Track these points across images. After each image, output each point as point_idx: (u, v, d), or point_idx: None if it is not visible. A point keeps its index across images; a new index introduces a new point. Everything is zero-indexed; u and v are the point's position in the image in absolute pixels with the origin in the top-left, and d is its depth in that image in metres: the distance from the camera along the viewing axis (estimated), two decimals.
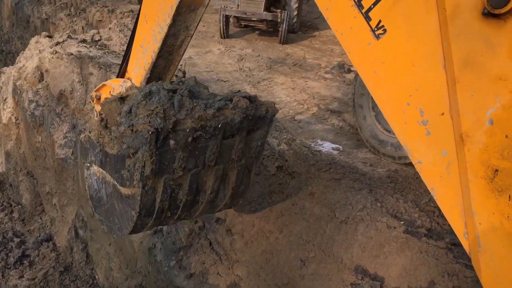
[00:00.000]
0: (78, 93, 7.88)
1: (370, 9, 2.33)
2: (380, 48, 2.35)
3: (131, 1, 17.56)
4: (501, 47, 2.02)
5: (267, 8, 12.15)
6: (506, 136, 2.04)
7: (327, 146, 6.11)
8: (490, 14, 1.96)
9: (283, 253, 4.69)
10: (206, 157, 3.41)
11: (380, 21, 2.32)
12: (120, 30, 9.62)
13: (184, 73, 8.13)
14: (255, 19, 12.11)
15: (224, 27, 12.13)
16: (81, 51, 8.39)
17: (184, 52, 3.92)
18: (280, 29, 12.06)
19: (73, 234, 8.49)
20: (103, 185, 3.64)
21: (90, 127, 3.68)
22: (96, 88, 4.14)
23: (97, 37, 9.41)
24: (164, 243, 5.98)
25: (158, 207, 3.40)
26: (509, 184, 2.06)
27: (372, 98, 5.78)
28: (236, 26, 13.23)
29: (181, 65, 9.23)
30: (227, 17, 12.14)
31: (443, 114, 2.23)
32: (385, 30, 2.32)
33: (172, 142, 3.09)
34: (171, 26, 3.49)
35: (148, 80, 3.75)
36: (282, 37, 12.13)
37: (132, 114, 3.12)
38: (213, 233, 5.52)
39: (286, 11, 12.13)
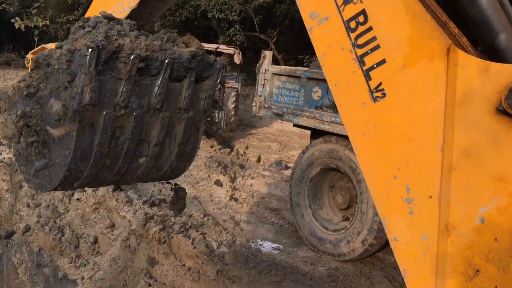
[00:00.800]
0: (7, 202, 7.50)
1: (372, 68, 2.17)
2: (376, 112, 2.18)
3: None
4: (509, 148, 1.94)
5: None
6: (496, 239, 1.97)
7: (267, 246, 6.07)
8: (505, 112, 1.85)
9: None
10: (152, 98, 3.02)
11: (380, 83, 2.16)
12: None
13: None
14: None
15: None
16: (12, 158, 8.12)
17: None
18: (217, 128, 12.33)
19: None
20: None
21: (22, 78, 3.26)
22: (34, 50, 3.87)
23: None
24: None
25: (96, 150, 2.88)
26: (489, 287, 1.96)
27: (308, 196, 5.90)
28: None
29: None
30: None
31: (431, 197, 2.11)
32: (384, 94, 2.15)
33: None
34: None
35: None
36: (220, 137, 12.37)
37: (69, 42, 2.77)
38: None
39: (223, 111, 12.52)
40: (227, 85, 14.19)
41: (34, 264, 6.28)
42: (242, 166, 9.97)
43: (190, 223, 6.26)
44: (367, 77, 2.14)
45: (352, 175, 5.30)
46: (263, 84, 6.35)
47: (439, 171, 2.07)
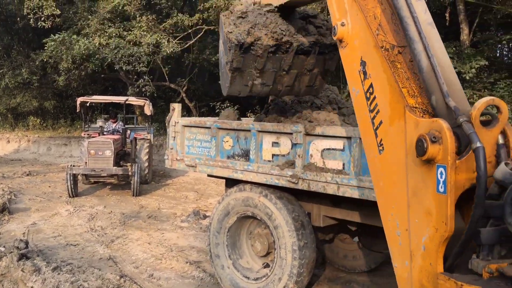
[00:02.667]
0: None
1: (377, 127, 2.74)
2: (381, 162, 2.75)
3: None
4: (428, 188, 2.37)
5: (116, 163, 12.13)
6: (430, 264, 2.38)
7: None
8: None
9: None
10: (281, 64, 4.90)
11: (381, 139, 2.72)
12: None
13: (26, 242, 7.46)
14: (105, 174, 11.93)
15: (72, 186, 11.69)
16: None
17: None
18: (132, 182, 12.00)
19: None
20: (222, 56, 5.08)
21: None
22: None
23: None
24: None
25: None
26: None
27: (227, 246, 5.85)
28: (85, 183, 12.86)
29: (23, 233, 8.49)
30: (74, 176, 11.78)
31: (407, 230, 2.57)
32: (383, 148, 2.71)
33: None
34: None
35: None
36: (135, 190, 12.05)
37: (236, 25, 4.56)
38: None
39: (136, 164, 12.22)
40: (139, 137, 13.94)
41: None
42: (158, 220, 9.72)
43: (105, 287, 5.92)
44: (376, 135, 2.77)
45: (269, 221, 5.35)
46: (174, 137, 6.31)
47: (407, 209, 2.57)
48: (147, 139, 14.11)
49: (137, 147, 13.62)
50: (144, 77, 20.26)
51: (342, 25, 2.87)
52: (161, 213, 10.43)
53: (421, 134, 2.35)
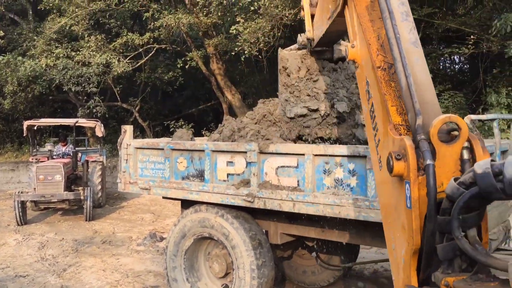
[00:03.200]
0: None
1: (377, 145, 2.82)
2: (380, 178, 2.82)
3: None
4: (402, 203, 2.44)
5: (67, 187, 11.72)
6: (407, 276, 2.47)
7: None
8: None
9: None
10: None
11: (380, 156, 2.78)
12: None
13: None
14: (55, 200, 11.50)
15: (21, 213, 11.18)
16: None
17: None
18: (84, 206, 11.62)
19: None
20: None
21: None
22: None
23: None
24: None
25: None
26: None
27: (185, 270, 5.74)
28: (34, 210, 12.35)
29: None
30: (23, 203, 11.29)
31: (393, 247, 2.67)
32: (381, 165, 2.76)
33: None
34: None
35: None
36: (88, 214, 11.66)
37: None
38: None
39: (89, 187, 11.85)
40: (91, 159, 13.56)
41: None
42: (113, 245, 9.44)
43: None
44: (377, 152, 2.85)
45: (226, 241, 5.30)
46: (126, 160, 6.17)
47: (394, 223, 2.64)
48: (100, 161, 13.73)
49: (89, 170, 13.22)
50: (95, 97, 19.83)
51: (352, 47, 3.03)
52: (116, 238, 10.13)
53: (389, 152, 2.45)
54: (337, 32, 4.11)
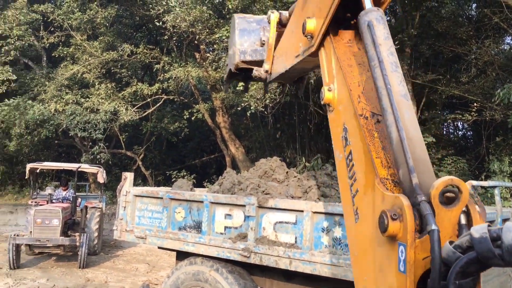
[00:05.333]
0: None
1: (354, 195, 2.66)
2: (356, 231, 2.65)
3: None
4: (391, 265, 2.28)
5: (64, 233, 11.57)
6: None
7: None
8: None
9: None
10: None
11: (357, 208, 2.62)
12: None
13: None
14: (51, 245, 11.32)
15: (14, 256, 10.98)
16: None
17: None
18: (79, 253, 11.42)
19: None
20: None
21: None
22: None
23: None
24: None
25: None
26: None
27: None
28: (29, 254, 12.14)
29: None
30: (17, 246, 11.11)
31: None
32: (358, 217, 2.61)
33: None
34: None
35: None
36: (82, 261, 11.43)
37: None
38: None
39: (85, 234, 11.69)
40: (90, 205, 13.48)
41: None
42: None
43: None
44: (353, 203, 2.68)
45: None
46: (125, 207, 6.13)
47: (374, 283, 2.45)
48: (99, 208, 13.63)
49: (87, 216, 13.10)
50: (100, 144, 19.99)
51: (329, 90, 2.93)
52: (108, 287, 9.88)
53: (383, 210, 2.30)
54: (302, 70, 3.98)
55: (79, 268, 11.44)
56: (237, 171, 6.42)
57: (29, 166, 13.35)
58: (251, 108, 14.93)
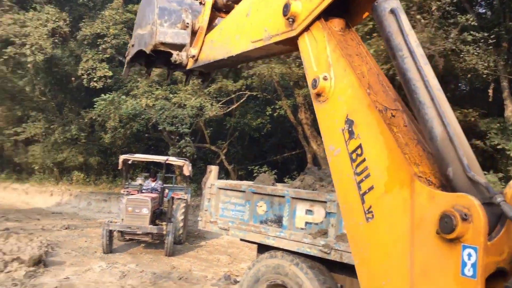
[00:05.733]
0: None
1: (365, 192, 2.48)
2: (368, 231, 2.47)
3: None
4: (447, 269, 2.11)
5: (152, 221, 12.22)
6: None
7: None
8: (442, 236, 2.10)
9: None
10: None
11: (370, 206, 2.45)
12: None
13: None
14: (140, 232, 12.02)
15: (107, 242, 11.81)
16: None
17: None
18: (166, 241, 12.02)
19: None
20: None
21: None
22: None
23: None
24: None
25: None
26: None
27: None
28: (120, 240, 12.96)
29: (55, 287, 8.56)
30: (110, 232, 11.92)
31: None
32: (373, 215, 2.44)
33: None
34: None
35: None
36: (168, 250, 12.04)
37: None
38: None
39: (172, 223, 12.28)
40: (176, 196, 14.11)
41: None
42: (189, 282, 9.60)
43: None
44: (362, 201, 2.49)
45: None
46: (209, 199, 6.37)
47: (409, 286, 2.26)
48: (184, 199, 14.25)
49: (173, 206, 13.74)
50: (186, 138, 20.79)
51: (325, 79, 2.67)
52: (192, 275, 10.31)
53: (447, 210, 2.10)
54: (247, 57, 3.58)
55: (165, 255, 12.04)
56: (319, 168, 6.43)
57: (122, 157, 14.23)
58: None
